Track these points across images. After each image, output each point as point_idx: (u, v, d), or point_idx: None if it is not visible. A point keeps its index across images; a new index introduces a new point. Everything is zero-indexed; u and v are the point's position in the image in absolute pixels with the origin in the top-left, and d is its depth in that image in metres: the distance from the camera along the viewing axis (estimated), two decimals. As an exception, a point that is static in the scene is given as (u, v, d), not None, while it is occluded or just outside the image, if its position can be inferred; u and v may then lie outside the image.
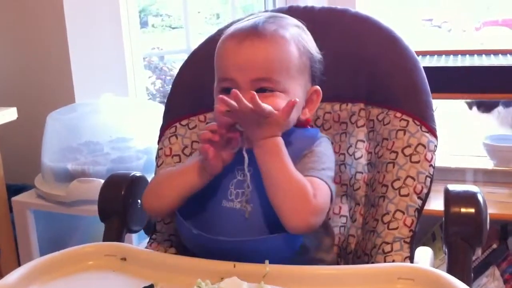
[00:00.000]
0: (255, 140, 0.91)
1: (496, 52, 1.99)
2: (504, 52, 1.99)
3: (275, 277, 0.85)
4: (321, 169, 0.95)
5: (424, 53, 2.02)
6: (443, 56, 1.99)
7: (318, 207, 0.91)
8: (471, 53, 2.01)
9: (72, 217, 1.80)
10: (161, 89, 3.50)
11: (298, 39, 0.99)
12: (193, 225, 0.94)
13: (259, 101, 0.87)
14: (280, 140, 0.92)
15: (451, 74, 1.80)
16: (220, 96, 0.89)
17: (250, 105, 0.87)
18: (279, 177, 0.90)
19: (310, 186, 0.90)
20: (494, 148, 2.05)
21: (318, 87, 1.03)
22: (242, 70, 0.94)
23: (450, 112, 2.25)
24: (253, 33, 0.95)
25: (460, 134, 2.35)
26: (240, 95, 0.87)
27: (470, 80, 1.78)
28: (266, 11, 1.18)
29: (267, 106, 0.88)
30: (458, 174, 2.06)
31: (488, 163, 2.08)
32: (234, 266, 0.87)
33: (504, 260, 1.91)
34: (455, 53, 2.02)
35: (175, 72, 3.69)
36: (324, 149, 0.99)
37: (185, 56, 1.25)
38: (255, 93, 0.88)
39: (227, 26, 1.18)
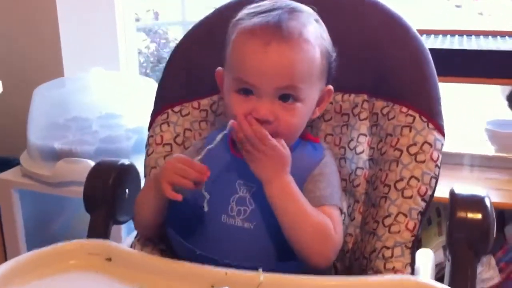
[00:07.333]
0: (263, 181, 0.88)
1: (502, 34, 1.92)
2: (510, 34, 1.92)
3: (269, 286, 0.80)
4: (333, 193, 0.94)
5: (427, 32, 1.95)
6: (448, 36, 1.92)
7: (339, 241, 0.91)
8: (476, 33, 1.94)
9: (59, 197, 1.75)
10: (155, 52, 3.42)
11: (321, 41, 0.94)
12: (187, 239, 0.91)
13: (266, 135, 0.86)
14: (289, 179, 0.89)
15: (452, 57, 1.73)
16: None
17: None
18: (297, 220, 0.88)
19: (330, 221, 0.89)
20: (496, 134, 2.00)
21: (331, 87, 0.99)
22: (267, 77, 0.88)
23: (451, 96, 2.19)
24: (279, 35, 0.88)
25: (462, 119, 2.31)
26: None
27: (472, 63, 1.72)
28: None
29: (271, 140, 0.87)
30: (457, 158, 2.02)
31: (489, 149, 2.03)
32: (226, 274, 0.83)
33: (500, 249, 1.88)
34: (459, 33, 1.95)
35: (170, 35, 3.57)
36: (331, 168, 0.97)
37: (180, 19, 1.17)
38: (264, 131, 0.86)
39: (225, 6, 1.11)
